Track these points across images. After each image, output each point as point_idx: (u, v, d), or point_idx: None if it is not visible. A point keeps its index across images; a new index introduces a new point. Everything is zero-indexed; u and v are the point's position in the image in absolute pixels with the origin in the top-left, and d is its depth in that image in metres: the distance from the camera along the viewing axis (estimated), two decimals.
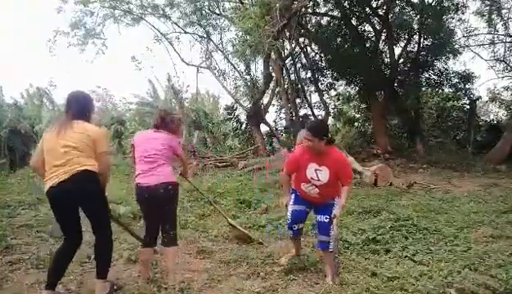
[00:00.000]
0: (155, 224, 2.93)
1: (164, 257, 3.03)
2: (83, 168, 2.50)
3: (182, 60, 14.09)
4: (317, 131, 2.92)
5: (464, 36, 13.40)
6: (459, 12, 12.37)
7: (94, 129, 2.63)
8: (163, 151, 2.85)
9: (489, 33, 13.74)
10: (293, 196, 3.23)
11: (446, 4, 12.06)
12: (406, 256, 3.49)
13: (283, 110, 15.40)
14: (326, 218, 3.00)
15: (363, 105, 15.68)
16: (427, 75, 13.34)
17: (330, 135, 2.96)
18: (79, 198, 2.56)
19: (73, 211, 2.63)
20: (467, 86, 13.11)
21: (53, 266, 2.64)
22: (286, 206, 3.24)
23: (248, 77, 15.16)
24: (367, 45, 13.35)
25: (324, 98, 15.32)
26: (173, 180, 2.86)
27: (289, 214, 3.19)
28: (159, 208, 2.83)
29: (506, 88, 15.65)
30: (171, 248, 2.86)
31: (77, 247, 2.71)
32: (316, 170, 2.97)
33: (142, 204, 2.94)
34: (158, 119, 3.00)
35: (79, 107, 2.66)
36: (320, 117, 14.91)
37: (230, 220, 4.25)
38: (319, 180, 2.96)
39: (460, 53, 12.83)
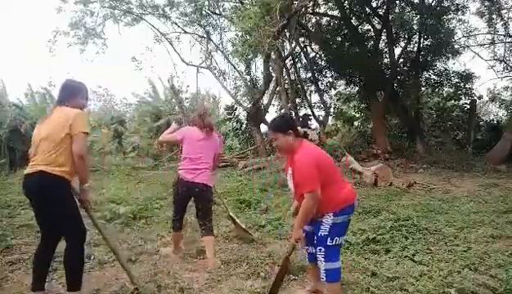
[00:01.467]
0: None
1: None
2: (40, 169, 2.33)
3: (182, 60, 14.09)
4: (277, 125, 2.58)
5: (464, 36, 13.40)
6: (459, 12, 12.35)
7: (72, 111, 2.43)
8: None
9: (489, 33, 13.75)
10: None
11: (446, 4, 12.06)
12: (406, 256, 3.49)
13: (283, 110, 15.39)
14: (315, 239, 2.54)
15: (363, 105, 15.66)
16: (427, 75, 13.32)
17: (296, 128, 2.56)
18: (36, 198, 2.43)
19: (37, 207, 2.49)
20: (467, 86, 13.11)
21: (33, 268, 2.57)
22: None
23: (248, 77, 15.15)
24: (367, 45, 13.34)
25: (324, 98, 15.31)
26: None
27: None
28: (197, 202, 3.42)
29: (506, 88, 15.67)
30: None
31: (52, 247, 2.57)
32: (290, 175, 2.57)
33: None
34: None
35: (65, 93, 2.57)
36: (320, 117, 14.90)
37: (233, 215, 4.29)
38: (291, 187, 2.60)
39: (460, 53, 12.82)
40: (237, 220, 4.19)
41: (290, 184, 2.58)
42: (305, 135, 2.81)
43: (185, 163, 3.36)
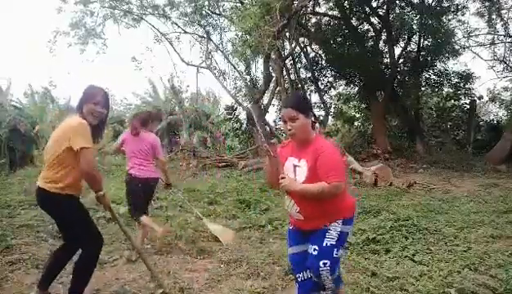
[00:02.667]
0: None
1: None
2: (38, 184, 2.37)
3: (182, 60, 14.10)
4: (301, 103, 2.12)
5: (464, 36, 13.41)
6: (459, 13, 12.37)
7: (73, 122, 2.29)
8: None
9: (489, 33, 13.75)
10: (287, 232, 2.39)
11: (446, 4, 12.07)
12: (406, 256, 3.49)
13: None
14: (315, 250, 2.08)
15: (363, 105, 15.67)
16: (427, 75, 13.33)
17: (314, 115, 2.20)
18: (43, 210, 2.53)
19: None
20: (467, 86, 13.12)
21: (46, 265, 2.58)
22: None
23: (248, 77, 15.16)
24: (367, 45, 13.34)
25: (324, 98, 15.31)
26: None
27: (288, 259, 2.43)
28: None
29: (506, 88, 15.67)
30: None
31: (70, 251, 2.54)
32: (294, 166, 2.13)
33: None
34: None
35: (80, 100, 2.45)
36: (320, 117, 14.90)
37: (203, 218, 4.34)
38: (295, 180, 2.10)
39: (460, 53, 12.84)
40: (207, 224, 4.18)
41: (294, 177, 2.11)
42: None
43: (128, 161, 3.86)
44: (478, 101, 14.65)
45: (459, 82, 12.96)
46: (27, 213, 4.83)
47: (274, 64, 12.72)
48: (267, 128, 14.76)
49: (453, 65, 15.06)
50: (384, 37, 13.23)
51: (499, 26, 13.22)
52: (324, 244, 2.07)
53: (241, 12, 10.69)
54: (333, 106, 16.56)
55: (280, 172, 2.10)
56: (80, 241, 2.43)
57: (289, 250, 2.32)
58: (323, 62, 14.72)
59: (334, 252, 2.09)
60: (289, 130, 2.08)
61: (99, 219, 4.47)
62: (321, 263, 2.05)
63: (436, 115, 15.27)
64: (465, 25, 13.07)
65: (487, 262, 3.31)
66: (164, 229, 3.83)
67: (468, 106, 13.80)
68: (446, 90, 14.10)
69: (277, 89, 14.03)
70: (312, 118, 2.14)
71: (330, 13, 13.86)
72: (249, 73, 15.16)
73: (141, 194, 3.77)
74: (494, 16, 12.93)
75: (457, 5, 12.14)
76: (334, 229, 2.09)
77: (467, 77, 12.83)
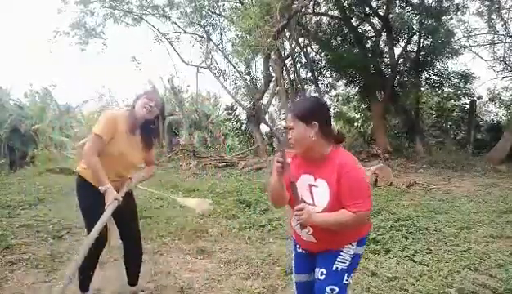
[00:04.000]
0: None
1: None
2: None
3: (182, 60, 14.10)
4: (304, 111, 1.72)
5: (464, 36, 13.41)
6: (459, 13, 12.37)
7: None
8: None
9: (489, 33, 13.75)
10: (293, 253, 2.04)
11: (445, 4, 12.07)
12: (406, 256, 3.49)
13: (283, 110, 15.39)
14: (322, 274, 1.80)
15: (363, 105, 15.67)
16: (427, 75, 13.33)
17: (326, 121, 1.74)
18: None
19: None
20: (467, 86, 13.11)
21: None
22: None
23: (248, 77, 15.16)
24: (367, 45, 13.34)
25: (324, 98, 15.31)
26: None
27: (294, 289, 2.06)
28: None
29: (506, 89, 15.66)
30: None
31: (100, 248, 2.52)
32: (310, 186, 1.76)
33: None
34: None
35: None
36: None
37: (177, 198, 4.27)
38: (314, 205, 1.73)
39: (460, 53, 12.82)
40: (179, 200, 4.13)
41: (311, 199, 1.75)
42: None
43: None
44: (477, 101, 14.65)
45: (459, 82, 12.95)
46: (27, 213, 4.83)
47: (274, 64, 12.73)
48: (268, 129, 14.78)
49: (453, 65, 15.07)
50: (384, 38, 13.23)
51: (499, 26, 13.23)
52: (334, 268, 1.78)
53: (241, 12, 10.69)
54: (333, 107, 16.57)
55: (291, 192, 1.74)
56: (87, 227, 2.44)
57: (296, 277, 2.00)
58: (323, 62, 14.73)
59: (345, 278, 1.80)
60: (289, 139, 1.74)
61: None
62: (327, 289, 1.76)
63: (436, 115, 15.27)
64: (465, 25, 13.09)
65: (487, 262, 3.31)
66: None
67: (468, 106, 13.80)
68: (446, 90, 14.10)
69: (277, 89, 14.03)
70: (316, 123, 1.69)
71: (329, 13, 13.86)
72: (249, 73, 15.16)
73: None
74: (494, 16, 12.92)
75: (457, 5, 12.14)
76: (348, 252, 1.79)
77: (467, 77, 12.82)
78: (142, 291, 2.76)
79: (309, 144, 1.71)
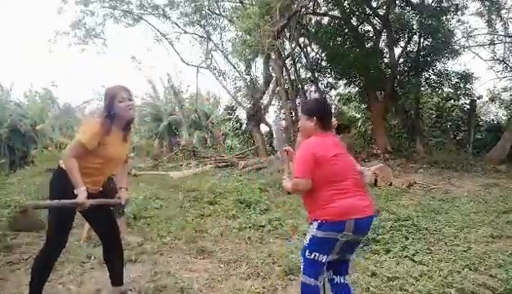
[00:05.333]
0: None
1: None
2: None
3: (182, 60, 14.12)
4: (304, 106, 2.43)
5: (463, 36, 13.41)
6: (458, 13, 12.37)
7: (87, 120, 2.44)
8: None
9: (489, 33, 13.75)
10: None
11: (445, 5, 12.07)
12: (406, 256, 3.49)
13: (283, 110, 15.40)
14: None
15: (363, 105, 15.67)
16: (427, 75, 13.34)
17: (322, 117, 2.20)
18: None
19: None
20: (467, 86, 13.12)
21: None
22: None
23: (248, 77, 15.17)
24: (367, 45, 13.35)
25: (324, 98, 15.32)
26: None
27: None
28: None
29: (505, 89, 15.66)
30: None
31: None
32: None
33: None
34: None
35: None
36: None
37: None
38: None
39: (460, 53, 12.83)
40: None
41: None
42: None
43: None
44: (477, 101, 14.66)
45: (459, 82, 12.95)
46: None
47: (274, 64, 12.74)
48: (268, 128, 14.78)
49: (453, 65, 15.09)
50: (384, 38, 13.23)
51: (499, 26, 13.24)
52: (305, 239, 2.17)
53: (241, 12, 10.70)
54: (333, 107, 16.56)
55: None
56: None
57: None
58: (323, 62, 14.73)
59: (306, 253, 2.10)
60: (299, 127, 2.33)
61: None
62: (301, 256, 2.16)
63: (436, 115, 15.27)
64: (465, 25, 13.09)
65: (487, 262, 3.31)
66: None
67: (468, 106, 13.80)
68: (446, 90, 14.11)
69: (277, 89, 14.04)
70: (315, 118, 2.17)
71: (330, 13, 13.87)
72: (249, 73, 15.18)
73: None
74: (494, 16, 12.92)
75: (457, 5, 12.14)
76: (311, 230, 2.11)
77: (467, 77, 12.83)
78: (130, 290, 2.74)
79: (309, 132, 2.22)
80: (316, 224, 2.07)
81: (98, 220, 2.52)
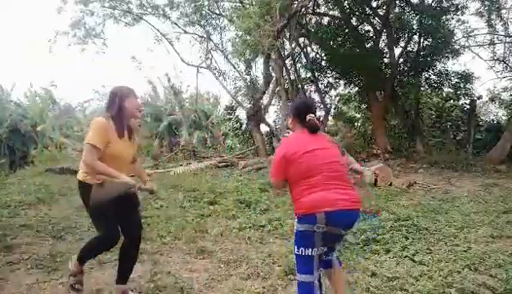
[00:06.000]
0: None
1: None
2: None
3: (182, 60, 14.11)
4: (290, 106, 2.60)
5: (463, 36, 13.41)
6: (458, 13, 12.37)
7: (93, 120, 2.41)
8: None
9: (489, 33, 13.74)
10: None
11: (445, 5, 12.07)
12: (406, 256, 3.49)
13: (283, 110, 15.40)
14: None
15: (363, 105, 15.67)
16: (427, 75, 13.34)
17: (299, 115, 2.33)
18: None
19: None
20: (467, 86, 13.12)
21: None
22: None
23: (248, 77, 15.16)
24: (367, 45, 13.34)
25: (324, 98, 15.32)
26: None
27: None
28: None
29: (505, 89, 15.66)
30: None
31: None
32: None
33: None
34: None
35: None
36: (320, 117, 14.92)
37: None
38: None
39: (460, 53, 12.83)
40: None
41: None
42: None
43: None
44: (477, 101, 14.66)
45: (459, 82, 12.96)
46: (27, 213, 4.83)
47: (274, 64, 12.73)
48: (268, 128, 14.79)
49: (453, 65, 15.09)
50: (383, 38, 13.23)
51: (498, 26, 13.23)
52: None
53: (241, 12, 10.69)
54: (333, 106, 16.56)
55: None
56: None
57: None
58: (323, 62, 14.73)
59: (295, 249, 2.19)
60: None
61: None
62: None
63: (436, 115, 15.27)
64: (465, 25, 13.08)
65: (487, 262, 3.31)
66: None
67: (468, 106, 13.80)
68: (445, 90, 14.11)
69: (277, 89, 14.04)
70: (293, 116, 2.38)
71: (330, 13, 13.87)
72: (249, 73, 15.16)
73: None
74: (494, 16, 12.92)
75: (457, 5, 12.14)
76: (295, 225, 2.20)
77: (467, 77, 12.83)
78: (131, 290, 2.74)
79: (292, 130, 2.44)
80: (296, 218, 2.19)
81: (127, 216, 2.54)
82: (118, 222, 2.49)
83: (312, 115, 2.29)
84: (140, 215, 2.68)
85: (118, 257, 2.65)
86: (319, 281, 2.23)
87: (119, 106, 2.37)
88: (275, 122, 16.68)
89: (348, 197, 2.14)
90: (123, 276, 2.62)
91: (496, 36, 13.81)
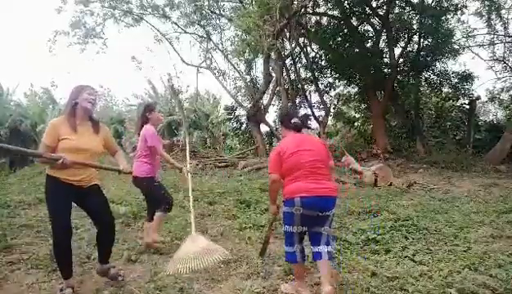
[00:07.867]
0: None
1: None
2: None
3: (182, 60, 14.12)
4: (279, 117, 3.28)
5: (463, 36, 13.41)
6: (458, 13, 12.38)
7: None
8: None
9: (488, 33, 13.76)
10: None
11: (445, 5, 12.07)
12: (406, 256, 3.49)
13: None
14: None
15: (363, 105, 15.67)
16: (427, 75, 13.35)
17: (285, 121, 2.93)
18: None
19: None
20: (466, 86, 13.13)
21: None
22: None
23: (248, 77, 15.17)
24: (367, 45, 13.35)
25: (324, 98, 15.33)
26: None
27: None
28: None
29: (503, 89, 15.65)
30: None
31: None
32: None
33: None
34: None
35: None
36: (320, 117, 14.93)
37: None
38: None
39: (460, 53, 12.84)
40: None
41: None
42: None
43: None
44: (477, 101, 14.65)
45: (458, 83, 12.97)
46: (27, 213, 4.82)
47: (274, 64, 12.74)
48: (268, 128, 14.79)
49: (452, 65, 15.08)
50: (383, 38, 13.23)
51: (498, 26, 13.24)
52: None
53: (241, 12, 10.69)
54: (333, 107, 16.56)
55: None
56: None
57: None
58: (323, 62, 14.73)
59: (283, 228, 2.82)
60: None
61: None
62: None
63: (435, 115, 15.27)
64: (465, 25, 13.10)
65: (487, 262, 3.31)
66: (153, 241, 3.64)
67: (467, 106, 13.81)
68: (445, 90, 14.11)
69: (277, 89, 14.04)
70: (281, 123, 2.99)
71: (329, 13, 13.87)
72: (249, 73, 15.18)
73: (143, 194, 3.78)
74: (493, 16, 12.94)
75: (456, 5, 12.15)
76: (282, 208, 2.79)
77: (466, 77, 12.84)
78: (113, 267, 2.98)
79: (283, 135, 3.01)
80: (283, 203, 2.75)
81: (93, 205, 2.77)
82: (69, 213, 2.64)
83: (296, 119, 2.89)
84: (107, 204, 2.86)
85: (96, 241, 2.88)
86: (301, 251, 2.73)
87: (71, 105, 2.64)
88: (275, 122, 16.69)
89: (323, 186, 2.64)
90: (102, 257, 2.87)
91: (495, 36, 13.82)
